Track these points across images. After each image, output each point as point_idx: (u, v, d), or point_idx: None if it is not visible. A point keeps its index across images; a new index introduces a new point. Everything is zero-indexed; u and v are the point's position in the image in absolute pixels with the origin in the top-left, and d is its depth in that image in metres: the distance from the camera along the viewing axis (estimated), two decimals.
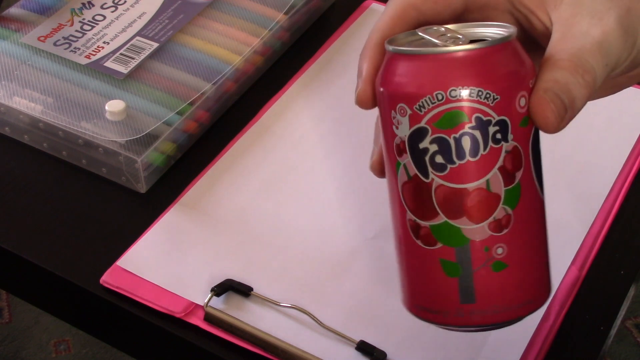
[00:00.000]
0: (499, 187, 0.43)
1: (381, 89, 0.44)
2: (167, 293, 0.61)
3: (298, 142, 0.72)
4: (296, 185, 0.69)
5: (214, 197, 0.68)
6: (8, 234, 0.65)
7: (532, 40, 0.48)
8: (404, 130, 0.43)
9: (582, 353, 0.59)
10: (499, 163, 0.42)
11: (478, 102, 0.42)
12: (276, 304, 0.60)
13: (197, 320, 0.59)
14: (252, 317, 0.59)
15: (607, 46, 0.44)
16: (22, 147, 0.71)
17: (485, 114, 0.42)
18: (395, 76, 0.43)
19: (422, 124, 0.42)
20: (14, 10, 0.78)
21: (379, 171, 0.48)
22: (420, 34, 0.45)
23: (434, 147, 0.42)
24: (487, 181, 0.42)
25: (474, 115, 0.42)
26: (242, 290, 0.61)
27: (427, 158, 0.43)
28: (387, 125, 0.44)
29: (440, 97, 0.42)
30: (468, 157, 0.42)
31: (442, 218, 0.43)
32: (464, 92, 0.42)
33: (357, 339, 0.58)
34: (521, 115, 0.43)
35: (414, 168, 0.43)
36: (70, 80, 0.72)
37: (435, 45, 0.44)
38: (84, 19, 0.77)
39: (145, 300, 0.60)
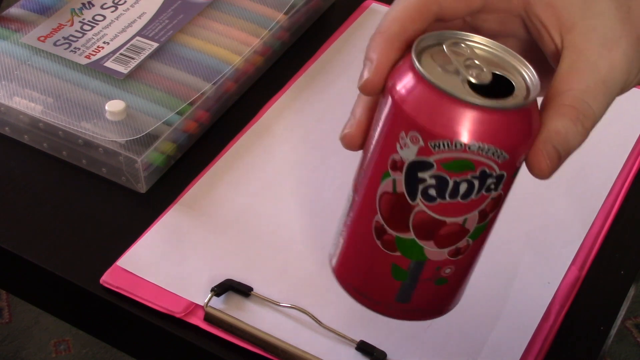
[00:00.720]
0: (472, 224, 0.46)
1: (397, 101, 0.44)
2: (167, 293, 0.61)
3: (298, 142, 0.72)
4: (296, 185, 0.69)
5: (214, 197, 0.68)
6: (8, 234, 0.65)
7: (539, 52, 0.48)
8: (407, 154, 0.44)
9: (582, 353, 0.59)
10: (482, 207, 0.45)
11: (490, 158, 0.43)
12: (276, 304, 0.60)
13: (197, 320, 0.59)
14: (252, 317, 0.59)
15: (612, 83, 0.45)
16: (22, 147, 0.71)
17: (490, 168, 0.44)
18: (417, 101, 0.43)
19: (430, 159, 0.43)
20: (14, 10, 0.78)
21: (352, 145, 0.48)
22: (446, 50, 0.45)
23: (432, 181, 0.44)
24: (465, 219, 0.45)
25: (481, 168, 0.43)
26: (242, 290, 0.61)
27: (421, 186, 0.44)
28: (389, 138, 0.45)
29: (458, 145, 0.43)
30: (459, 199, 0.44)
31: (411, 235, 0.46)
32: (482, 147, 0.43)
33: (357, 339, 0.58)
34: (517, 168, 0.45)
35: (403, 188, 0.45)
36: (70, 80, 0.72)
37: (458, 73, 0.44)
38: (84, 19, 0.77)
39: (145, 300, 0.60)
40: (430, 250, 0.46)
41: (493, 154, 0.43)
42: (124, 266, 0.62)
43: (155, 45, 0.76)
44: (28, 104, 0.70)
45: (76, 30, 0.76)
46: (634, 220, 0.68)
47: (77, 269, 0.63)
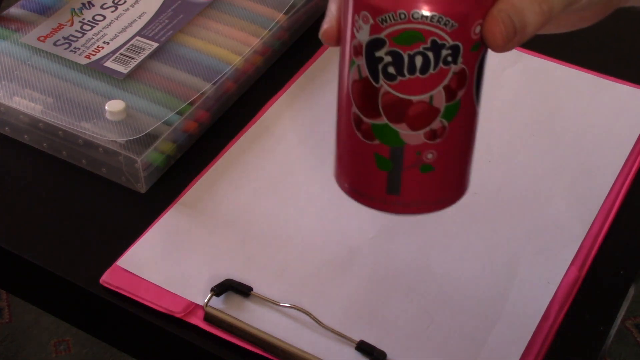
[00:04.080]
0: (440, 102, 0.46)
1: None
2: (167, 293, 0.61)
3: (298, 142, 0.72)
4: (296, 185, 0.69)
5: (214, 197, 0.68)
6: (8, 234, 0.65)
7: None
8: (363, 36, 0.46)
9: (582, 353, 0.59)
10: (445, 82, 0.45)
11: (437, 26, 0.44)
12: (276, 303, 0.60)
13: (197, 320, 0.59)
14: (252, 317, 0.59)
15: None
16: (22, 147, 0.71)
17: (441, 38, 0.44)
18: None
19: (382, 35, 0.45)
20: (14, 10, 0.78)
21: (330, 39, 0.49)
22: None
23: (388, 59, 0.45)
24: (431, 96, 0.46)
25: (430, 38, 0.44)
26: (242, 290, 0.61)
27: (380, 66, 0.45)
28: (348, 26, 0.47)
29: (403, 16, 0.44)
30: (417, 74, 0.45)
31: (384, 120, 0.47)
32: (425, 16, 0.44)
33: (357, 339, 0.58)
34: (474, 41, 0.45)
35: (366, 71, 0.46)
36: (70, 80, 0.72)
37: None
38: (84, 19, 0.77)
39: (145, 300, 0.60)
40: (405, 133, 0.47)
41: (439, 22, 0.44)
42: (124, 266, 0.62)
43: (155, 45, 0.76)
44: (28, 104, 0.70)
45: (76, 30, 0.76)
46: (634, 220, 0.68)
47: (77, 269, 0.63)
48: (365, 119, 0.48)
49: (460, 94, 0.46)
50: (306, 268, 0.63)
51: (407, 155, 0.48)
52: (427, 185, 0.49)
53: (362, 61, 0.46)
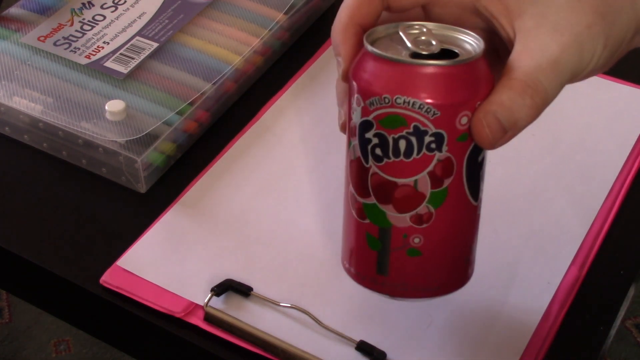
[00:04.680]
0: (426, 188, 0.47)
1: (351, 79, 0.48)
2: (167, 293, 0.61)
3: (298, 142, 0.72)
4: (296, 185, 0.69)
5: (214, 197, 0.68)
6: (8, 234, 0.65)
7: (495, 46, 0.50)
8: (357, 118, 0.48)
9: (582, 353, 0.59)
10: (429, 168, 0.47)
11: (418, 113, 0.46)
12: (276, 304, 0.60)
13: (197, 320, 0.59)
14: (252, 317, 0.59)
15: (564, 64, 0.46)
16: (22, 147, 0.71)
17: (423, 124, 0.46)
18: (360, 70, 0.48)
19: (370, 118, 0.47)
20: (14, 10, 0.78)
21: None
22: (400, 32, 0.48)
23: (375, 140, 0.47)
24: (415, 181, 0.47)
25: (413, 124, 0.46)
26: (242, 290, 0.61)
27: (369, 147, 0.48)
28: (349, 107, 0.49)
29: (387, 100, 0.46)
30: (402, 157, 0.47)
31: (373, 200, 0.49)
32: (407, 101, 0.45)
33: (357, 339, 0.58)
34: (460, 131, 0.46)
35: (359, 151, 0.48)
36: (70, 80, 0.72)
37: (407, 48, 0.47)
38: (84, 19, 0.77)
39: (145, 300, 0.60)
40: (392, 215, 0.48)
41: (420, 108, 0.45)
42: (124, 266, 0.62)
43: (155, 45, 0.76)
44: (28, 104, 0.70)
45: (76, 30, 0.76)
46: (634, 220, 0.68)
47: (77, 269, 0.63)
48: (358, 198, 0.49)
49: (447, 182, 0.47)
50: (306, 268, 0.63)
51: (394, 236, 0.49)
52: (414, 269, 0.50)
53: (356, 141, 0.48)
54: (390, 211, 0.48)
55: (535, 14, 0.46)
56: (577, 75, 0.47)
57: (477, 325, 0.60)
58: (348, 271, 0.53)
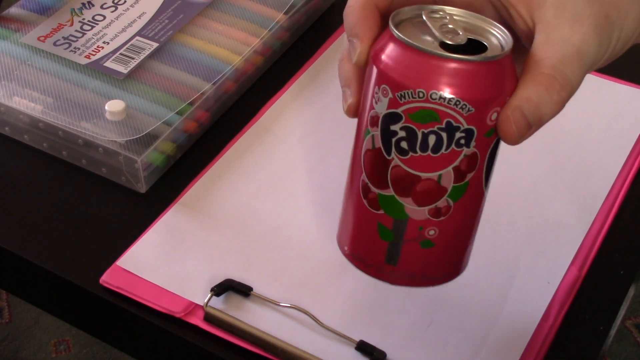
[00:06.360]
0: (449, 182, 0.47)
1: (373, 64, 0.47)
2: (167, 293, 0.61)
3: (298, 142, 0.72)
4: (296, 185, 0.69)
5: (214, 197, 0.68)
6: (8, 234, 0.65)
7: (513, 34, 0.49)
8: (381, 108, 0.46)
9: (582, 353, 0.59)
10: (455, 163, 0.46)
11: (453, 109, 0.45)
12: (276, 303, 0.60)
13: (197, 320, 0.59)
14: (252, 317, 0.59)
15: (586, 55, 0.46)
16: (22, 147, 0.71)
17: (456, 120, 0.45)
18: (387, 57, 0.46)
19: (399, 110, 0.46)
20: (14, 10, 0.78)
21: (356, 113, 0.50)
22: (424, 18, 0.47)
23: (402, 133, 0.46)
24: (440, 175, 0.47)
25: (446, 119, 0.45)
26: (242, 290, 0.61)
27: (394, 139, 0.46)
28: (368, 95, 0.47)
29: (421, 94, 0.45)
30: (429, 152, 0.46)
31: (391, 192, 0.48)
32: (443, 97, 0.45)
33: (357, 339, 0.58)
34: (489, 127, 0.46)
35: (380, 142, 0.47)
36: (70, 80, 0.72)
37: (434, 36, 0.46)
38: (83, 19, 0.77)
39: (145, 300, 0.60)
40: (410, 207, 0.48)
41: (456, 105, 0.45)
42: (123, 266, 0.62)
43: (155, 45, 0.76)
44: (28, 104, 0.70)
45: (76, 30, 0.76)
46: (634, 220, 0.68)
47: (77, 269, 0.63)
48: (373, 188, 0.48)
49: (470, 176, 0.47)
50: (306, 268, 0.63)
51: (409, 229, 0.49)
52: (425, 260, 0.50)
53: (377, 132, 0.47)
54: (409, 204, 0.48)
55: (554, 4, 0.46)
56: (595, 65, 0.47)
57: (477, 325, 0.60)
58: (349, 256, 0.52)
